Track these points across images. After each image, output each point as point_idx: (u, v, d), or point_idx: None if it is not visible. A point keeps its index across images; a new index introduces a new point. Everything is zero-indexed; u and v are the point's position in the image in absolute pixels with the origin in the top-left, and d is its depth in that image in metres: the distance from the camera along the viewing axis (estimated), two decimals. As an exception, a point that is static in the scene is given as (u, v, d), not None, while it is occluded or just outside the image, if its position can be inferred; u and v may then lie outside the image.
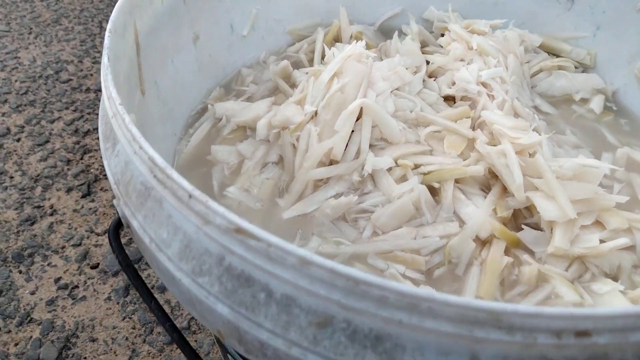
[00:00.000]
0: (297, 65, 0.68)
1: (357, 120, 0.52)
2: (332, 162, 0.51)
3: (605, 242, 0.44)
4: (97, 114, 1.21)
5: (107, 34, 0.38)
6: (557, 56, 0.66)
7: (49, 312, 0.81)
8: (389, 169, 0.50)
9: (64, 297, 0.86)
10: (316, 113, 0.53)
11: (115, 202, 0.34)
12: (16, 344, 0.74)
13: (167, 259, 0.31)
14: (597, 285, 0.42)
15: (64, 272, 0.89)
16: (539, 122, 0.55)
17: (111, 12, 1.49)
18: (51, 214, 0.99)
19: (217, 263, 0.29)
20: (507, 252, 0.46)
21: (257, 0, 0.64)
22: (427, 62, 0.63)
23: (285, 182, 0.52)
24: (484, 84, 0.56)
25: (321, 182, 0.51)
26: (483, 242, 0.46)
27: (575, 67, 0.65)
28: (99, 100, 1.05)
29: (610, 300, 0.41)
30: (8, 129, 1.17)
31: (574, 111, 0.61)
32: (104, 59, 0.35)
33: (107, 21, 1.44)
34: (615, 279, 0.44)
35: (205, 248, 0.29)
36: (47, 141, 1.15)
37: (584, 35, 0.64)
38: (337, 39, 0.70)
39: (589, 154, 0.55)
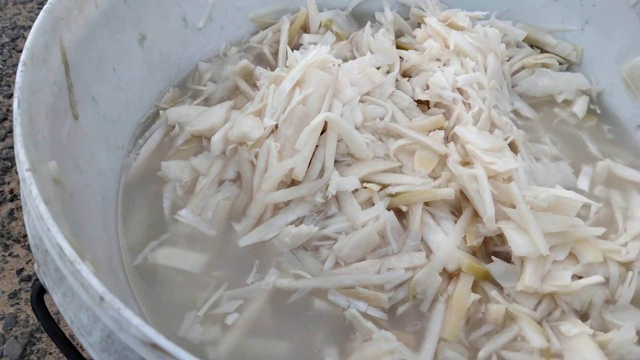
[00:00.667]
0: (260, 59, 0.62)
1: (322, 133, 0.48)
2: (293, 182, 0.47)
3: (578, 276, 0.42)
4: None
5: (20, 67, 0.32)
6: (542, 50, 0.61)
7: (12, 305, 0.78)
8: (355, 191, 0.46)
9: (27, 290, 0.83)
10: (276, 127, 0.48)
11: (35, 267, 0.31)
12: None
13: (88, 345, 0.27)
14: (565, 327, 0.40)
15: (27, 263, 0.86)
16: (517, 133, 0.51)
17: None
18: (11, 200, 0.95)
19: (149, 354, 0.26)
20: (475, 285, 0.43)
21: (211, -10, 0.57)
22: (401, 58, 0.58)
23: (243, 203, 0.48)
24: (460, 90, 0.52)
25: (282, 204, 0.47)
26: (450, 275, 0.44)
27: (560, 64, 0.60)
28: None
29: (578, 345, 0.39)
30: None
31: (556, 115, 0.57)
32: (15, 105, 0.30)
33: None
34: (585, 316, 0.42)
35: (126, 345, 0.25)
36: (5, 119, 1.09)
37: (572, 29, 0.59)
38: (305, 28, 0.64)
39: (568, 166, 0.51)
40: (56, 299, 0.29)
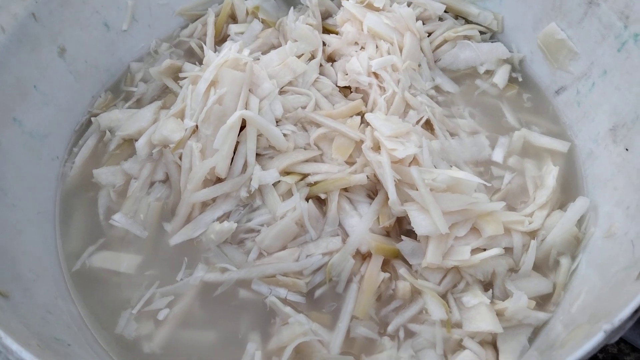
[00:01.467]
0: (191, 52, 0.63)
1: (243, 129, 0.50)
2: (219, 179, 0.50)
3: (481, 249, 0.45)
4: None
5: None
6: (466, 20, 0.61)
7: None
8: (276, 183, 0.49)
9: None
10: (197, 127, 0.50)
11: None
12: None
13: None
14: (467, 298, 0.43)
15: None
16: (433, 111, 0.53)
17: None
18: None
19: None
20: (386, 263, 0.46)
21: (132, -8, 0.58)
22: (325, 43, 0.59)
23: (172, 203, 0.51)
24: (375, 74, 0.53)
25: (210, 201, 0.50)
26: (363, 256, 0.47)
27: (483, 33, 0.60)
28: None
29: (476, 314, 0.42)
30: None
31: (477, 87, 0.58)
32: None
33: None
34: (489, 285, 0.45)
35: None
36: None
37: (491, -2, 0.59)
38: (233, 17, 0.65)
39: (485, 139, 0.53)
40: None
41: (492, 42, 0.60)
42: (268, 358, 0.43)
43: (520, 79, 0.59)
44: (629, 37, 0.45)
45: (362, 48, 0.56)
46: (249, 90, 0.51)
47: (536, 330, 0.43)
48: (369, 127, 0.51)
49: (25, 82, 0.49)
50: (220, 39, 0.64)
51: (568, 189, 0.51)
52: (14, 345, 0.26)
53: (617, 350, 0.56)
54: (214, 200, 0.50)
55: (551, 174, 0.50)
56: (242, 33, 0.63)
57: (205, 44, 0.62)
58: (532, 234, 0.47)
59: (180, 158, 0.50)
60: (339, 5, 0.63)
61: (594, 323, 0.30)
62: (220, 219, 0.49)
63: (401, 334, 0.43)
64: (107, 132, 0.55)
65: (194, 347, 0.44)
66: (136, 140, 0.54)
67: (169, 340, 0.44)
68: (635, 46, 0.44)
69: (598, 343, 0.27)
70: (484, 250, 0.44)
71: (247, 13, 0.64)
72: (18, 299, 0.35)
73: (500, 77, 0.58)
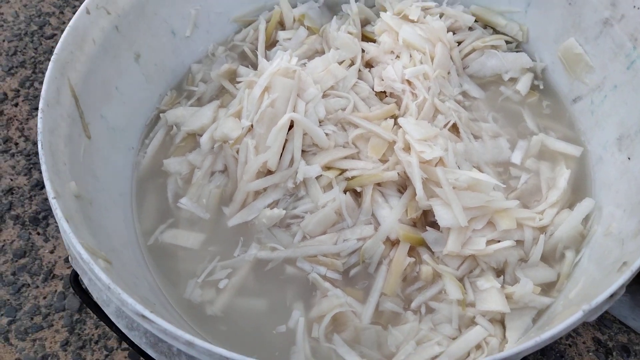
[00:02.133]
0: (244, 55, 0.71)
1: (291, 129, 0.58)
2: (270, 172, 0.58)
3: (496, 240, 0.52)
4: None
5: (39, 114, 0.44)
6: (494, 30, 0.67)
7: (68, 267, 0.93)
8: (318, 177, 0.57)
9: None
10: (252, 126, 0.58)
11: (70, 259, 0.43)
12: (44, 297, 0.88)
13: (109, 313, 0.40)
14: (480, 282, 0.50)
15: None
16: (460, 115, 0.59)
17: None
18: None
19: (142, 322, 0.38)
20: (412, 250, 0.54)
21: (193, 1, 0.66)
22: (363, 50, 0.66)
23: (230, 190, 0.59)
24: (408, 81, 0.60)
25: (261, 190, 0.58)
26: (392, 243, 0.54)
27: (510, 42, 0.66)
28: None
29: (488, 296, 0.49)
30: (5, 94, 1.21)
31: (501, 93, 0.64)
32: (39, 147, 0.42)
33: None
34: (502, 272, 0.52)
35: (129, 315, 0.38)
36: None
37: (517, 10, 0.64)
38: (282, 23, 0.72)
39: (505, 142, 0.60)
40: (85, 282, 0.41)
41: (517, 51, 0.66)
42: (310, 324, 0.51)
43: (541, 87, 0.64)
44: (637, 57, 0.50)
45: (398, 57, 0.63)
46: (297, 94, 0.59)
47: (540, 312, 0.50)
48: (401, 129, 0.58)
49: (109, 84, 0.57)
50: (270, 44, 0.71)
51: (578, 190, 0.57)
52: (129, 299, 0.35)
53: (627, 339, 0.62)
54: (265, 189, 0.58)
55: (563, 176, 0.56)
56: (289, 39, 0.70)
57: (257, 49, 0.70)
58: (542, 229, 0.53)
59: (237, 152, 0.58)
60: (377, 13, 0.70)
61: (580, 304, 0.37)
62: (271, 206, 0.57)
63: (422, 309, 0.51)
64: (174, 126, 0.64)
65: (248, 312, 0.53)
66: (199, 135, 0.62)
67: (228, 305, 0.53)
68: (643, 65, 0.50)
69: (577, 319, 0.34)
70: (498, 241, 0.51)
71: (294, 20, 0.72)
72: (116, 265, 0.44)
73: (523, 84, 0.64)
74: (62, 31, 0.52)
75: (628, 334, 0.62)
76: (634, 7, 0.50)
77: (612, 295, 0.34)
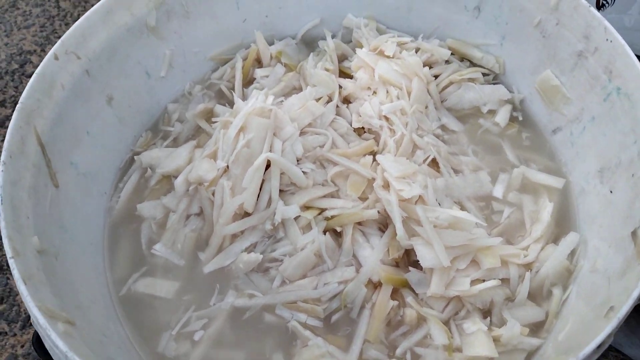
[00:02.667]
0: (221, 94, 0.70)
1: (268, 169, 0.56)
2: (247, 214, 0.56)
3: (481, 280, 0.50)
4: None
5: (0, 167, 0.42)
6: (471, 63, 0.67)
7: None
8: (297, 218, 0.55)
9: None
10: (227, 167, 0.57)
11: (32, 320, 0.41)
12: (22, 346, 0.84)
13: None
14: (467, 324, 0.48)
15: None
16: (439, 150, 0.58)
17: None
18: None
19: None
20: (396, 292, 0.52)
21: (168, 42, 0.65)
22: (341, 86, 0.65)
23: (206, 234, 0.57)
24: (386, 117, 0.59)
25: (238, 233, 0.56)
26: (375, 285, 0.52)
27: (487, 75, 0.66)
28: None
29: (474, 340, 0.47)
30: None
31: (480, 125, 0.63)
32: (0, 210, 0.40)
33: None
34: (488, 313, 0.50)
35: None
36: None
37: (492, 43, 0.64)
38: (259, 60, 0.72)
39: (486, 176, 0.58)
40: (46, 345, 0.39)
41: (494, 83, 0.65)
42: (290, 376, 0.49)
43: (520, 118, 0.64)
44: (613, 90, 0.50)
45: (374, 93, 0.62)
46: (273, 134, 0.58)
47: (529, 355, 0.48)
48: (379, 166, 0.57)
49: (80, 130, 0.56)
50: (247, 82, 0.70)
51: (562, 223, 0.55)
52: (88, 368, 0.33)
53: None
54: (242, 232, 0.56)
55: (546, 209, 0.55)
56: (266, 76, 0.69)
57: (234, 87, 0.69)
58: (528, 266, 0.52)
59: (213, 194, 0.57)
60: (354, 49, 0.70)
61: (567, 354, 0.35)
62: (248, 249, 0.55)
63: (408, 356, 0.49)
64: (149, 169, 0.62)
65: (225, 365, 0.50)
66: (174, 177, 0.61)
67: (204, 358, 0.51)
68: (617, 98, 0.49)
69: (564, 374, 0.32)
70: (483, 281, 0.50)
71: (271, 57, 0.71)
72: (81, 325, 0.42)
73: (502, 116, 0.63)
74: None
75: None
76: (607, 40, 0.50)
77: (599, 346, 0.32)
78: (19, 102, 0.47)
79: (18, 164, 0.44)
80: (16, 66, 1.30)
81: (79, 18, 0.56)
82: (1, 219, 0.39)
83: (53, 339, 0.33)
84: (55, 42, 0.53)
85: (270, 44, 0.72)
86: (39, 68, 0.51)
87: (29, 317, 0.84)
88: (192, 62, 0.70)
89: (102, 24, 0.57)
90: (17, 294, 0.88)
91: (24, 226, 0.42)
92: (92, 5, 0.57)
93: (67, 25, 1.24)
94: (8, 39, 1.33)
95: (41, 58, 1.29)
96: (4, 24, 1.37)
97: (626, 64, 0.48)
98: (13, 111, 1.23)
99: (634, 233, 0.42)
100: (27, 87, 0.49)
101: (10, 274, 0.94)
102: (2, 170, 0.42)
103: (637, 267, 0.38)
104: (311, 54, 0.69)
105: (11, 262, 0.37)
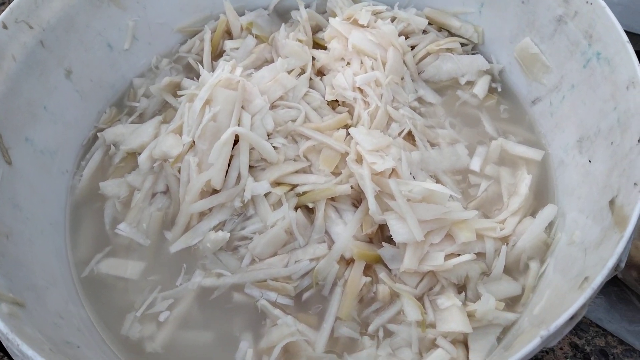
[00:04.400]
0: (189, 68, 0.67)
1: (237, 144, 0.54)
2: (215, 191, 0.54)
3: (456, 254, 0.48)
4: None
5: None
6: (449, 32, 0.64)
7: None
8: (267, 194, 0.53)
9: None
10: (193, 142, 0.54)
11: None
12: None
13: None
14: (441, 300, 0.47)
15: None
16: (415, 123, 0.56)
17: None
18: None
19: None
20: (368, 268, 0.50)
21: (131, 12, 0.62)
22: (314, 58, 0.62)
23: (172, 213, 0.55)
24: (360, 89, 0.57)
25: (206, 211, 0.54)
26: (347, 262, 0.50)
27: (465, 45, 0.63)
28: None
29: (449, 315, 0.46)
30: None
31: (458, 97, 0.61)
32: None
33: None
34: (463, 288, 0.49)
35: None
36: None
37: (471, 11, 0.62)
38: (229, 32, 0.69)
39: (464, 149, 0.57)
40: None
41: (473, 54, 0.63)
42: (259, 356, 0.47)
43: (499, 89, 0.62)
44: (593, 55, 0.48)
45: (348, 64, 0.60)
46: (242, 107, 0.55)
47: (505, 330, 0.46)
48: (353, 140, 0.54)
49: (35, 104, 0.53)
50: (217, 54, 0.68)
51: (541, 196, 0.54)
52: (29, 352, 0.30)
53: (604, 343, 0.60)
54: (210, 210, 0.54)
55: (524, 182, 0.53)
56: (237, 49, 0.66)
57: (203, 60, 0.66)
58: (504, 240, 0.50)
59: (179, 171, 0.54)
60: (328, 19, 0.67)
61: (540, 327, 0.34)
62: (216, 228, 0.53)
63: (380, 333, 0.47)
64: (112, 146, 0.59)
65: (192, 346, 0.48)
66: (139, 154, 0.58)
67: (170, 340, 0.49)
68: (597, 64, 0.47)
69: (534, 347, 0.31)
70: (458, 255, 0.48)
71: (242, 29, 0.68)
72: (32, 307, 0.39)
73: (480, 87, 0.61)
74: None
75: (605, 337, 0.60)
76: (587, 2, 0.48)
77: (572, 317, 0.31)
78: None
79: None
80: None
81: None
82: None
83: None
84: (4, 10, 0.49)
85: (241, 15, 0.69)
86: (-16, 38, 0.47)
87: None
88: (158, 34, 0.66)
89: (55, -9, 0.54)
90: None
91: (-32, 204, 0.39)
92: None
93: None
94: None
95: None
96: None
97: (606, 26, 0.46)
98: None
99: (611, 202, 0.40)
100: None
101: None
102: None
103: (614, 235, 0.36)
104: (283, 24, 0.66)
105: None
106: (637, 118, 0.42)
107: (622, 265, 0.34)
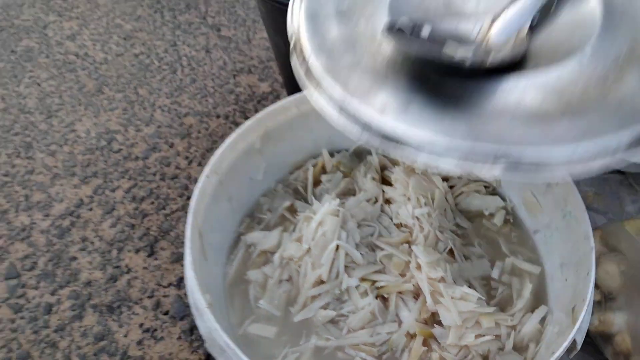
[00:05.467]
0: (297, 191, 0.98)
1: (337, 251, 0.83)
2: (322, 282, 0.83)
3: (482, 335, 0.75)
4: (148, 181, 1.46)
5: (187, 247, 0.69)
6: (475, 180, 0.95)
7: (139, 350, 1.13)
8: (357, 286, 0.81)
9: (148, 338, 1.17)
10: (310, 248, 0.84)
11: (206, 345, 0.67)
12: None
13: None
14: (472, 366, 0.74)
15: (145, 319, 1.19)
16: (454, 242, 0.85)
17: (144, 77, 1.75)
18: (127, 272, 1.28)
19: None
20: (425, 341, 0.77)
21: (266, 157, 0.93)
22: (384, 191, 0.93)
23: (294, 294, 0.84)
24: (417, 217, 0.86)
25: (317, 295, 0.83)
26: (411, 336, 0.78)
27: (487, 187, 0.94)
28: (147, 167, 1.31)
29: (477, 376, 0.72)
30: (81, 199, 1.43)
31: (483, 225, 0.90)
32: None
33: (141, 87, 1.65)
34: (486, 358, 0.75)
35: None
36: (113, 209, 1.42)
37: (492, 167, 0.92)
38: (324, 168, 1.00)
39: (487, 262, 0.85)
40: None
41: (493, 194, 0.93)
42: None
43: (511, 221, 0.91)
44: (567, 213, 0.77)
45: (408, 199, 0.90)
46: (341, 226, 0.85)
47: (513, 391, 0.73)
48: (413, 252, 0.83)
49: (208, 224, 0.83)
50: (316, 183, 0.98)
51: (538, 299, 0.80)
52: None
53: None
54: (319, 295, 0.82)
55: (527, 288, 0.80)
56: (330, 180, 0.97)
57: (306, 186, 0.97)
58: (513, 327, 0.77)
59: (299, 267, 0.83)
60: (391, 160, 0.97)
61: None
62: (324, 307, 0.81)
63: (433, 387, 0.74)
64: (251, 246, 0.89)
65: (311, 390, 0.75)
66: (269, 252, 0.87)
67: (297, 380, 0.76)
68: (570, 217, 0.76)
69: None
70: (483, 336, 0.75)
71: (333, 166, 1.00)
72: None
73: (498, 219, 0.90)
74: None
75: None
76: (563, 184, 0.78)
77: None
78: (190, 207, 0.75)
79: (194, 246, 0.72)
80: (104, 143, 1.54)
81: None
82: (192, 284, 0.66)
83: (238, 354, 0.59)
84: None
85: (332, 155, 1.00)
86: (199, 183, 0.79)
87: (125, 352, 1.02)
88: (278, 167, 0.98)
89: (230, 151, 0.86)
90: (115, 332, 1.09)
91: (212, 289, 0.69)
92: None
93: (145, 110, 1.50)
94: (96, 119, 1.58)
95: (124, 137, 1.55)
96: (92, 107, 1.62)
97: (574, 197, 0.75)
98: (104, 181, 1.50)
99: (573, 308, 0.68)
100: (193, 198, 0.77)
101: (109, 316, 1.15)
102: (190, 248, 0.69)
103: (567, 330, 0.64)
104: (361, 164, 0.97)
105: (206, 310, 0.64)
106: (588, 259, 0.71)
107: (578, 346, 0.61)
